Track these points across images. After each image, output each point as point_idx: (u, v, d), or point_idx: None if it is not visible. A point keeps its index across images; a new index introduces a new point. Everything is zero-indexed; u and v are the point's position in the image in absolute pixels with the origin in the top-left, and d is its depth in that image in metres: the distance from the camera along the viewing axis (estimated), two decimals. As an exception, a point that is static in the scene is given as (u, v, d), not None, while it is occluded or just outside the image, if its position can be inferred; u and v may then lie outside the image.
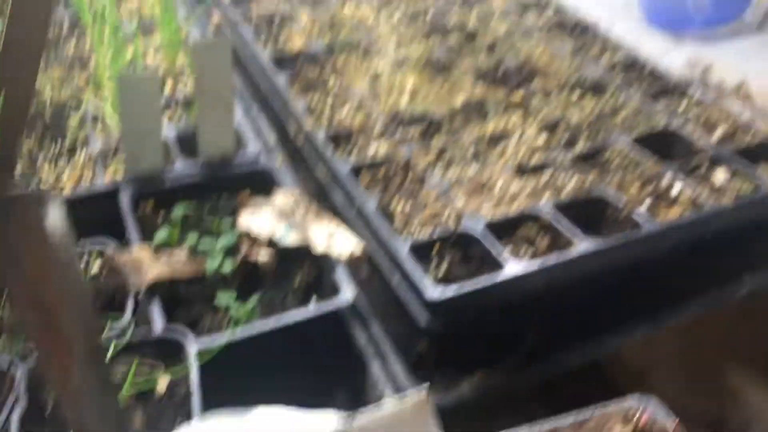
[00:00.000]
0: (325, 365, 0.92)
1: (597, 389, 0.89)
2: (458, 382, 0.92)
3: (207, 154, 1.13)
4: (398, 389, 0.89)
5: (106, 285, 0.92)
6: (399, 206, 1.05)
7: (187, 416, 0.73)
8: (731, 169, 1.11)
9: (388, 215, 1.04)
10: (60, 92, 1.30)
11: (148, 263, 0.92)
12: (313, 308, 0.89)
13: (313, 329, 0.90)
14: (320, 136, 1.21)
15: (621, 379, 1.17)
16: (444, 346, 0.92)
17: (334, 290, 0.93)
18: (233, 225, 1.05)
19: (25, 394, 0.73)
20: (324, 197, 1.19)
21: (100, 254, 0.96)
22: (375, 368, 0.92)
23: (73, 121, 1.22)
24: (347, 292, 0.91)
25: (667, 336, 1.16)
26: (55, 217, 0.46)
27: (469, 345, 0.93)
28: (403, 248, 0.95)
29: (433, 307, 0.87)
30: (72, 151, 1.16)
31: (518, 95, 1.32)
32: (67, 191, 1.06)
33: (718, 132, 1.20)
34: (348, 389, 0.93)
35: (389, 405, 0.59)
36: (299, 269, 0.99)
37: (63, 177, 1.10)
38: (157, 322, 0.85)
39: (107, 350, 0.78)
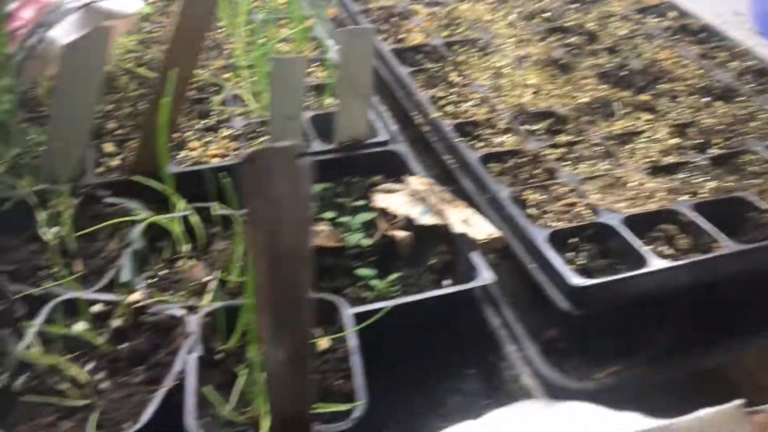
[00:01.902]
0: (461, 344, 0.94)
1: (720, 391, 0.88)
2: (589, 371, 0.92)
3: (342, 137, 1.18)
4: (536, 373, 0.90)
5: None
6: (531, 196, 1.07)
7: (348, 372, 0.77)
8: None
9: (521, 204, 1.05)
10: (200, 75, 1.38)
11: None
12: (455, 287, 0.92)
13: (451, 308, 0.92)
14: (447, 124, 1.23)
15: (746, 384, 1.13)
16: (581, 335, 0.92)
17: (467, 273, 0.94)
18: (367, 205, 1.09)
19: (200, 342, 0.78)
20: (451, 184, 1.21)
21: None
22: (509, 350, 0.93)
23: (215, 101, 1.29)
24: (486, 274, 0.93)
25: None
26: (305, 173, 0.50)
27: (606, 336, 0.93)
28: (541, 236, 0.96)
29: (577, 294, 0.88)
30: (214, 129, 1.23)
31: (645, 97, 1.31)
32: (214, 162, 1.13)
33: None
34: (481, 368, 0.95)
35: (702, 414, 0.59)
36: (434, 250, 1.01)
37: (208, 150, 1.16)
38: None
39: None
